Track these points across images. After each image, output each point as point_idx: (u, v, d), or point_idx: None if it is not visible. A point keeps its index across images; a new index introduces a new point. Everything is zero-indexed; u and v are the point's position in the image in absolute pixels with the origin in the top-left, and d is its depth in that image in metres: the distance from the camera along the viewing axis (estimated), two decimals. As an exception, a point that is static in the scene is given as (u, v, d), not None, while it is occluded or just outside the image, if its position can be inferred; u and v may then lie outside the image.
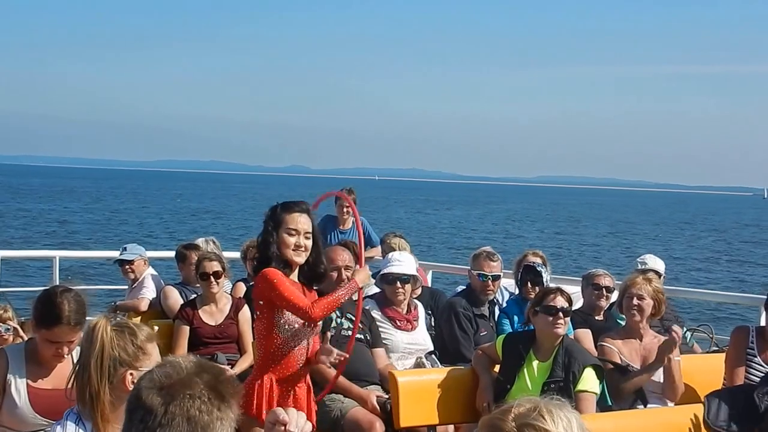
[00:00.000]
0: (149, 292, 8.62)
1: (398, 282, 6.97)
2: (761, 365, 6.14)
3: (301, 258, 5.18)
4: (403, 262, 7.17)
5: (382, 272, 7.12)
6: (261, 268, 5.16)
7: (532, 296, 7.45)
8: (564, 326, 5.95)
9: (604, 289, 7.43)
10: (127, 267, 8.88)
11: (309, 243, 5.19)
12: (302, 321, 5.11)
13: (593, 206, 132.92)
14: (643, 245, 46.23)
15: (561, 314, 5.90)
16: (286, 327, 5.11)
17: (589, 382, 5.79)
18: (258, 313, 5.25)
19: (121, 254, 9.00)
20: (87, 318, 4.49)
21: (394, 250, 8.81)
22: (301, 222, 5.17)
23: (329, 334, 5.48)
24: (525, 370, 5.91)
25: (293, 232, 5.14)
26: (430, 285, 9.40)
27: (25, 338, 5.72)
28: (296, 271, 5.26)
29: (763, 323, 6.92)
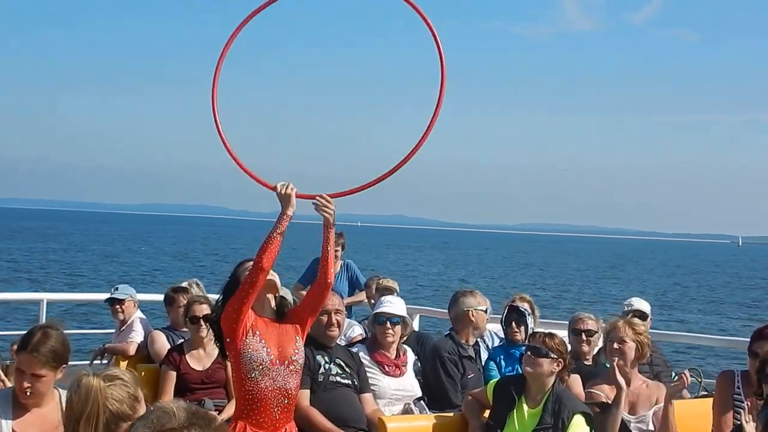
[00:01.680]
0: (138, 336, 8.56)
1: (388, 323, 6.96)
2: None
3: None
4: (394, 303, 7.19)
5: (373, 312, 7.13)
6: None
7: (518, 337, 7.50)
8: (532, 365, 5.93)
9: (584, 333, 7.45)
10: (117, 306, 8.85)
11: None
12: (272, 357, 5.07)
13: (577, 253, 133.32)
14: (629, 291, 46.38)
15: (529, 352, 5.96)
16: (256, 365, 5.04)
17: (579, 429, 5.79)
18: (229, 355, 5.22)
19: (112, 293, 8.98)
20: (69, 363, 4.52)
21: (380, 293, 8.85)
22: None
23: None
24: (515, 415, 5.90)
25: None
26: (417, 329, 9.39)
27: (8, 383, 5.66)
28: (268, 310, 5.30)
29: (748, 367, 6.94)
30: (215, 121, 5.61)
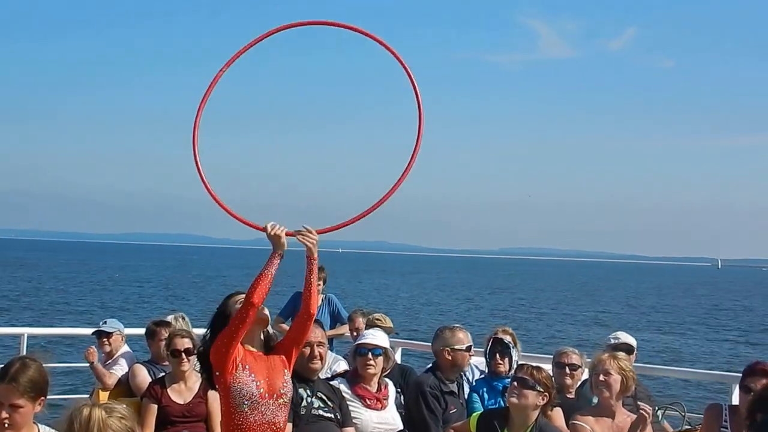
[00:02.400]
0: (121, 370, 8.55)
1: (370, 354, 6.95)
2: (734, 444, 6.17)
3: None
4: (377, 336, 7.19)
5: (354, 344, 7.12)
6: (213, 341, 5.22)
7: (501, 369, 7.50)
8: (518, 397, 5.94)
9: (567, 367, 7.48)
10: (104, 340, 8.85)
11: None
12: (261, 390, 5.08)
13: (559, 278, 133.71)
14: (613, 322, 46.60)
15: (515, 383, 5.98)
16: (246, 399, 5.04)
17: (561, 463, 5.81)
18: (218, 388, 5.23)
19: (100, 326, 8.97)
20: (48, 396, 4.50)
21: (364, 327, 8.87)
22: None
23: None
24: (498, 449, 5.90)
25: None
26: (399, 362, 9.38)
27: None
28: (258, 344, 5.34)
29: (735, 401, 6.96)
30: (198, 170, 5.65)
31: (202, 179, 5.63)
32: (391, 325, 9.54)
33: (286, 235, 5.23)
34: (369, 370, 6.96)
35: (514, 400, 5.95)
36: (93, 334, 9.09)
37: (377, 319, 9.45)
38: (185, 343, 7.41)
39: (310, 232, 5.25)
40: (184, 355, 7.37)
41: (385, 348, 7.10)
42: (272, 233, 5.20)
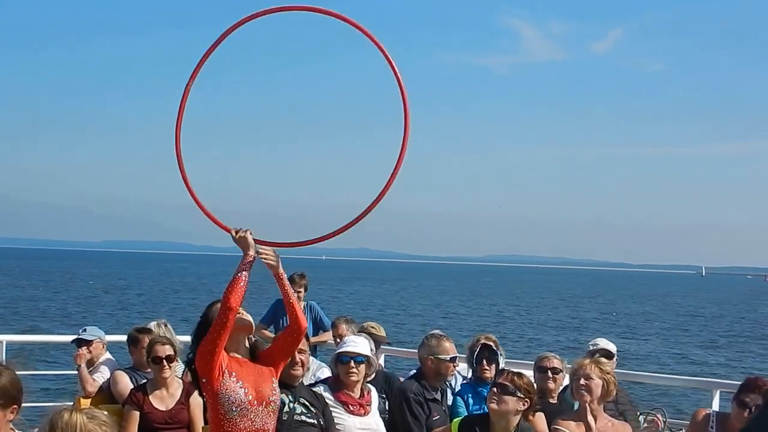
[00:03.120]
0: (102, 377, 8.49)
1: (352, 362, 6.93)
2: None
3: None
4: (359, 343, 7.17)
5: (336, 352, 7.11)
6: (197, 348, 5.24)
7: (487, 375, 7.51)
8: (498, 402, 5.95)
9: (550, 371, 7.51)
10: (84, 348, 8.75)
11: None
12: (250, 397, 5.10)
13: (542, 285, 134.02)
14: (594, 328, 46.82)
15: (496, 389, 5.98)
16: (234, 406, 5.07)
17: (543, 468, 5.82)
18: (205, 396, 5.25)
19: (80, 334, 8.89)
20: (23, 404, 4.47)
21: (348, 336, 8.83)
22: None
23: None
24: (479, 455, 5.91)
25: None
26: (384, 368, 9.38)
27: None
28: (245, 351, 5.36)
29: (715, 407, 7.00)
30: (178, 157, 5.65)
31: (183, 172, 5.64)
32: (384, 334, 9.53)
33: (256, 242, 5.29)
34: (352, 378, 6.94)
35: (494, 406, 5.95)
36: (73, 342, 9.03)
37: (372, 327, 9.44)
38: (166, 350, 7.38)
39: (268, 252, 5.32)
40: (165, 362, 7.35)
41: (368, 356, 7.11)
42: (237, 236, 5.27)
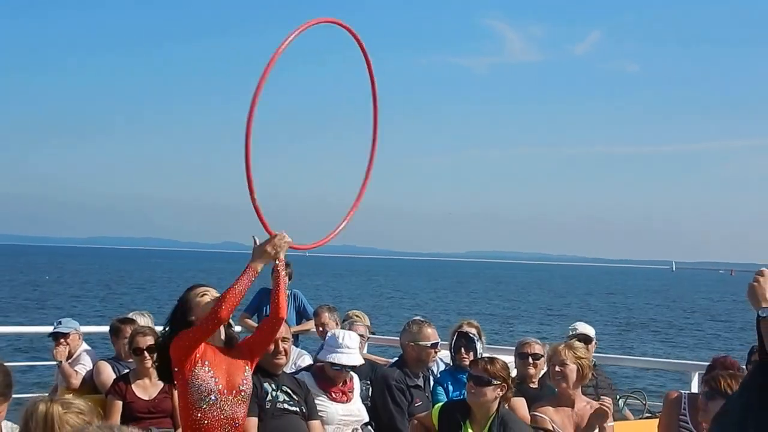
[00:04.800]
0: (84, 369, 8.46)
1: (343, 369, 6.93)
2: (693, 432, 6.26)
3: None
4: (353, 352, 7.00)
5: (329, 359, 6.91)
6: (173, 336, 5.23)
7: (466, 362, 7.53)
8: (475, 395, 5.96)
9: (530, 357, 7.55)
10: (62, 340, 8.68)
11: None
12: (220, 386, 5.11)
13: (525, 279, 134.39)
14: (575, 315, 47.04)
15: (471, 382, 5.99)
16: (204, 395, 5.08)
17: (525, 453, 5.86)
18: (176, 383, 5.27)
19: (55, 328, 8.81)
20: (14, 395, 4.46)
21: (349, 324, 8.81)
22: (210, 294, 5.30)
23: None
24: (460, 441, 5.94)
25: (204, 293, 5.30)
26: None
27: None
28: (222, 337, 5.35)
29: (694, 389, 7.06)
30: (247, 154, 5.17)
31: (248, 173, 5.18)
32: (368, 323, 9.50)
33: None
34: (338, 381, 6.96)
35: (473, 399, 5.97)
36: (49, 335, 8.96)
37: (356, 316, 9.43)
38: (147, 341, 7.37)
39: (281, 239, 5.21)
40: (146, 353, 7.34)
41: (360, 364, 7.08)
42: (279, 243, 5.16)
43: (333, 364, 6.93)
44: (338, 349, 6.94)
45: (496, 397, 5.96)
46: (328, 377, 6.96)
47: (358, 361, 7.05)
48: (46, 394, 8.31)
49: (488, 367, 5.98)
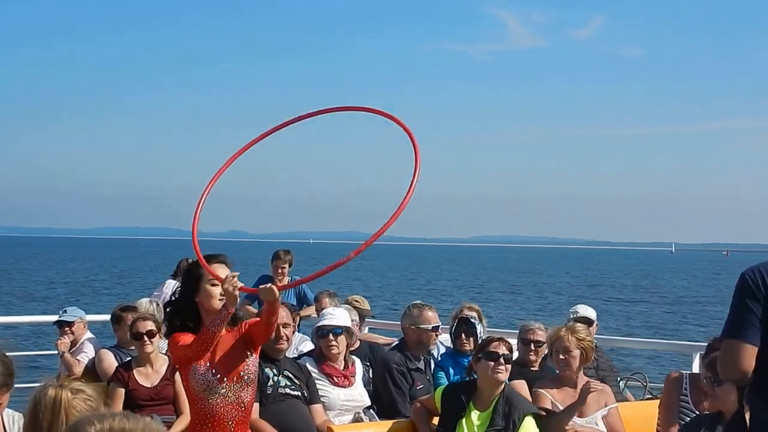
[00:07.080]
0: (87, 357, 8.47)
1: (330, 335, 6.94)
2: (694, 412, 6.23)
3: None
4: (336, 315, 7.17)
5: (315, 326, 7.12)
6: (174, 331, 5.19)
7: (467, 348, 7.53)
8: (505, 373, 6.04)
9: (533, 344, 7.51)
10: (66, 329, 8.70)
11: None
12: (218, 376, 5.05)
13: (533, 262, 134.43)
14: (576, 297, 47.10)
15: (502, 360, 6.00)
16: (203, 384, 5.05)
17: (529, 430, 5.87)
18: (179, 371, 5.27)
19: (60, 316, 8.84)
20: (17, 384, 4.46)
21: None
22: (221, 271, 5.12)
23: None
24: (464, 421, 5.96)
25: (216, 283, 5.11)
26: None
27: None
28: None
29: (695, 370, 7.05)
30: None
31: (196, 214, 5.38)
32: (368, 307, 9.54)
33: (241, 290, 5.03)
34: (332, 351, 6.96)
35: (502, 376, 6.02)
36: (54, 324, 8.99)
37: (355, 301, 9.46)
38: (147, 326, 7.37)
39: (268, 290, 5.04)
40: (146, 337, 7.33)
41: (347, 326, 7.12)
42: (229, 288, 4.95)
43: (318, 329, 7.02)
44: (322, 318, 7.13)
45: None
46: (325, 357, 6.97)
47: (342, 322, 7.06)
48: (56, 379, 8.39)
49: (509, 347, 6.14)
